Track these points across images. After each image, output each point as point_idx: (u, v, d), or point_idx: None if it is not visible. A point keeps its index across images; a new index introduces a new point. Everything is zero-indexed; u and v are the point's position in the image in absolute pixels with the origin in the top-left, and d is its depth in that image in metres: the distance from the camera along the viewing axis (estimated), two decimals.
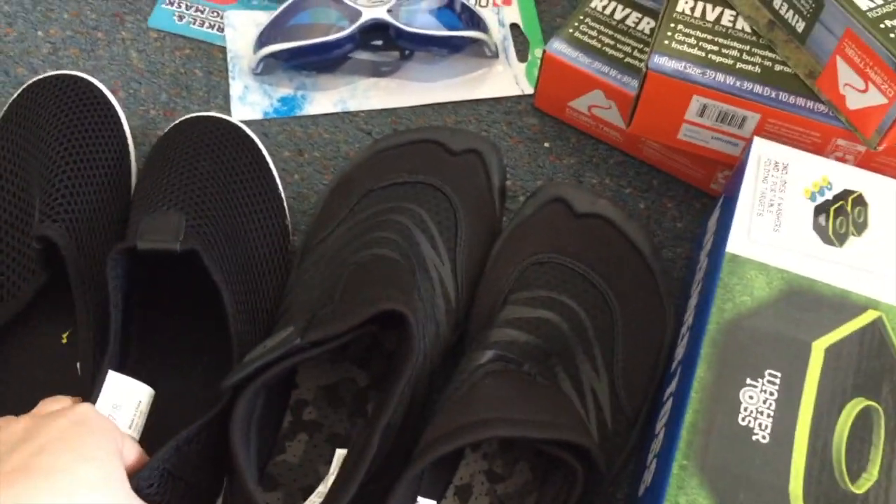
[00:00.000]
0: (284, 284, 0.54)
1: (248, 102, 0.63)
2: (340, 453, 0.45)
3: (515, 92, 0.65)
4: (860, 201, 0.49)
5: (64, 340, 0.51)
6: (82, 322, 0.47)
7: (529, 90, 0.65)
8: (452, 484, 0.48)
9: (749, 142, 0.52)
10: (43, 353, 0.51)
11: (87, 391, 0.46)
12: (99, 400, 0.44)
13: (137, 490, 0.42)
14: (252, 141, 0.58)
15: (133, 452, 0.43)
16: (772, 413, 0.42)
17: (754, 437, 0.42)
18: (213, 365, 0.51)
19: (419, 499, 0.45)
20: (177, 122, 0.57)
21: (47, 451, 0.39)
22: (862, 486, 0.41)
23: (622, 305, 0.51)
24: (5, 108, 0.56)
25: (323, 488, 0.44)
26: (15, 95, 0.57)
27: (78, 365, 0.48)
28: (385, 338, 0.52)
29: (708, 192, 0.61)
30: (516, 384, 0.46)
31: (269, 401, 0.48)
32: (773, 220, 0.48)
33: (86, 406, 0.42)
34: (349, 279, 0.48)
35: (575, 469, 0.44)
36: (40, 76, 0.57)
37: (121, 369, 0.48)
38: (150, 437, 0.46)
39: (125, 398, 0.45)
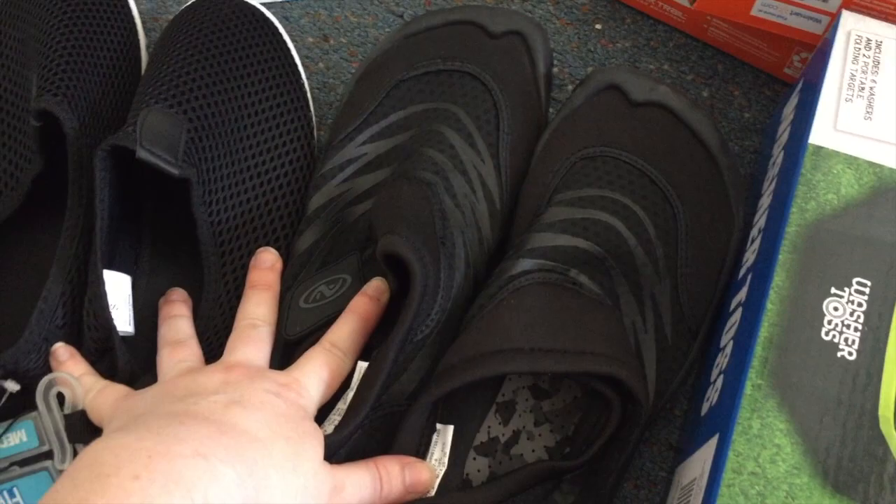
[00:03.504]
0: (309, 183, 0.49)
1: None
2: (362, 366, 0.41)
3: None
4: None
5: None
6: (72, 206, 0.43)
7: None
8: (495, 401, 0.44)
9: (836, 16, 0.45)
10: (44, 248, 0.47)
11: (59, 278, 0.42)
12: (109, 299, 0.41)
13: None
14: (272, 25, 0.52)
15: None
16: (860, 326, 0.37)
17: (840, 354, 0.37)
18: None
19: (438, 425, 0.41)
20: (188, 3, 0.52)
21: (245, 409, 0.36)
22: None
23: (685, 204, 0.45)
24: None
25: (343, 405, 0.40)
26: None
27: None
28: None
29: (780, 77, 0.54)
30: (548, 301, 0.41)
31: None
32: (864, 106, 0.42)
33: (295, 392, 0.38)
34: (376, 212, 0.43)
35: (611, 399, 0.40)
36: None
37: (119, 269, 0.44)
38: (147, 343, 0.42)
39: (119, 296, 0.41)
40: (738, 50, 0.54)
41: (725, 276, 0.46)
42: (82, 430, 0.40)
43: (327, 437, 0.37)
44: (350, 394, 0.40)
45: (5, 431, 0.39)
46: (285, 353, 0.42)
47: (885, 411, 0.36)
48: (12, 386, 0.39)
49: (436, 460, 0.40)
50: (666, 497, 0.44)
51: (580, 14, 0.57)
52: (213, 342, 0.43)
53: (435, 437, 0.40)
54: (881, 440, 0.35)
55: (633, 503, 0.45)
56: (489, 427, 0.44)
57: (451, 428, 0.40)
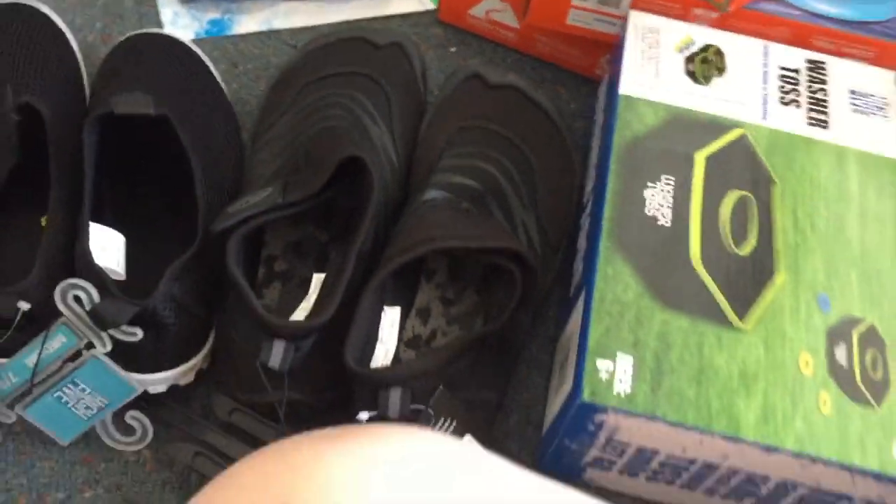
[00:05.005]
0: (238, 164, 0.60)
1: (179, 26, 0.70)
2: (318, 277, 0.52)
3: (419, 8, 0.74)
4: (718, 52, 0.60)
5: (43, 223, 0.56)
6: (55, 182, 0.52)
7: (431, 6, 0.74)
8: (414, 307, 0.56)
9: (627, 16, 0.62)
10: (23, 236, 0.55)
11: (51, 243, 0.51)
12: (91, 245, 0.50)
13: (155, 313, 0.48)
14: (192, 51, 0.64)
15: None
16: (670, 206, 0.53)
17: (659, 223, 0.52)
18: (179, 227, 0.56)
19: (384, 307, 0.52)
20: (123, 38, 0.63)
21: None
22: (745, 249, 0.52)
23: (537, 157, 0.61)
24: None
25: (306, 304, 0.51)
26: None
27: (43, 219, 0.53)
28: (342, 199, 0.59)
29: (592, 77, 0.71)
30: (456, 213, 0.55)
31: (245, 254, 0.55)
32: (653, 69, 0.59)
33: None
34: (309, 149, 0.56)
35: (513, 273, 0.53)
36: None
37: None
38: (137, 287, 0.51)
39: (107, 243, 0.51)
40: (560, 59, 0.71)
41: (575, 203, 0.61)
42: (107, 318, 0.48)
43: (307, 322, 0.48)
44: (312, 297, 0.51)
45: (45, 340, 0.47)
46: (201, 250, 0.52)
47: (694, 253, 0.51)
48: (24, 305, 0.48)
49: (386, 337, 0.52)
50: (551, 371, 0.57)
51: (438, 41, 0.72)
52: None
53: (383, 315, 0.51)
54: (694, 271, 0.51)
55: (525, 382, 0.58)
56: (413, 326, 0.56)
57: (397, 308, 0.52)
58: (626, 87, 0.58)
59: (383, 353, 0.51)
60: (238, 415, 0.51)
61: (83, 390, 0.49)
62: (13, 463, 0.52)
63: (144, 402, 0.51)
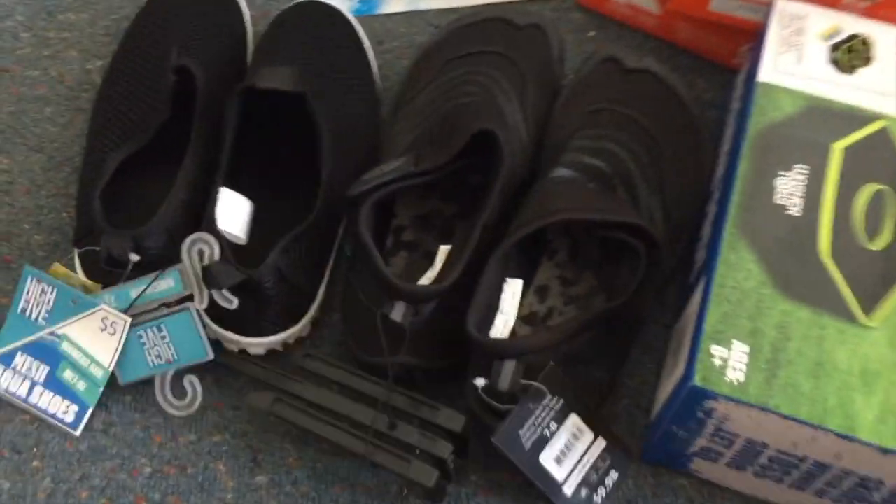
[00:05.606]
0: (373, 141, 0.63)
1: (333, 3, 0.73)
2: (444, 248, 0.54)
3: None
4: (866, 42, 0.58)
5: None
6: (193, 143, 0.56)
7: None
8: (533, 284, 0.57)
9: (772, 2, 0.61)
10: (153, 188, 0.59)
11: (175, 198, 0.54)
12: (218, 209, 0.53)
13: (259, 283, 0.51)
14: (348, 21, 0.67)
15: None
16: (802, 195, 0.52)
17: (788, 212, 0.51)
18: (304, 199, 0.59)
19: (507, 279, 0.54)
20: (287, 7, 0.67)
21: None
22: (878, 244, 0.50)
23: (668, 142, 0.60)
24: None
25: (431, 273, 0.53)
26: None
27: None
28: (471, 175, 0.61)
29: (730, 66, 0.70)
30: (584, 189, 0.55)
31: (376, 223, 0.57)
32: (795, 56, 0.57)
33: None
34: (443, 122, 0.58)
35: (637, 250, 0.52)
36: None
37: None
38: (255, 251, 0.54)
39: (236, 208, 0.54)
40: (699, 47, 0.70)
41: (703, 189, 0.60)
42: (215, 279, 0.51)
43: (429, 286, 0.50)
44: (438, 266, 0.53)
45: (156, 278, 0.51)
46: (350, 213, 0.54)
47: (823, 246, 0.50)
48: (134, 257, 0.52)
49: (507, 308, 0.53)
50: (664, 357, 0.57)
51: (576, 26, 0.73)
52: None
53: (505, 286, 0.53)
54: (821, 263, 0.49)
55: (637, 365, 0.58)
56: (531, 304, 0.57)
57: (519, 281, 0.52)
58: (765, 73, 0.56)
59: (502, 323, 0.52)
60: (309, 361, 0.53)
61: (163, 338, 0.52)
62: (153, 404, 0.57)
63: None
